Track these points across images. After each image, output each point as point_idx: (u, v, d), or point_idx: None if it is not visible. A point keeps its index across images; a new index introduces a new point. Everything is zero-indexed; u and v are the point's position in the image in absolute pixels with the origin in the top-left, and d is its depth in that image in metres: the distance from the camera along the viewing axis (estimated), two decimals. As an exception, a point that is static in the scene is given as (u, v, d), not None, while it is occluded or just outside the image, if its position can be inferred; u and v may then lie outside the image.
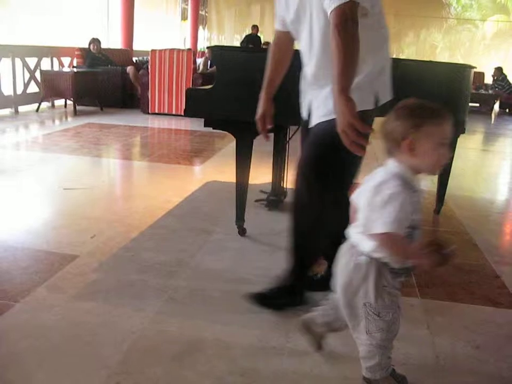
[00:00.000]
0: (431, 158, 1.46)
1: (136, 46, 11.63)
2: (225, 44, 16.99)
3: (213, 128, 2.82)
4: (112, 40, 11.64)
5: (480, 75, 13.90)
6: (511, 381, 1.79)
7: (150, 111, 8.06)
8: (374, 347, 1.57)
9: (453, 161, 3.62)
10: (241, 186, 2.87)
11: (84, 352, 1.79)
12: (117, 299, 2.17)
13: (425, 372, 1.81)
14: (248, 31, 17.72)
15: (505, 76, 12.96)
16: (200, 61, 10.70)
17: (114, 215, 3.28)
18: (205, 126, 2.82)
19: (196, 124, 7.09)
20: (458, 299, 2.38)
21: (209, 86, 2.79)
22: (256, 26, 14.10)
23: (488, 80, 13.67)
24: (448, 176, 3.58)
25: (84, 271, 2.42)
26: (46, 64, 8.48)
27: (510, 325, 2.18)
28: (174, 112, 7.93)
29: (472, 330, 2.10)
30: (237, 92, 2.68)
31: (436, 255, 1.40)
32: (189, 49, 9.72)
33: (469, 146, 7.20)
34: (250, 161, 2.83)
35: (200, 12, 17.30)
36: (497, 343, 2.03)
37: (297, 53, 2.16)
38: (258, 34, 13.92)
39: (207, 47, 3.81)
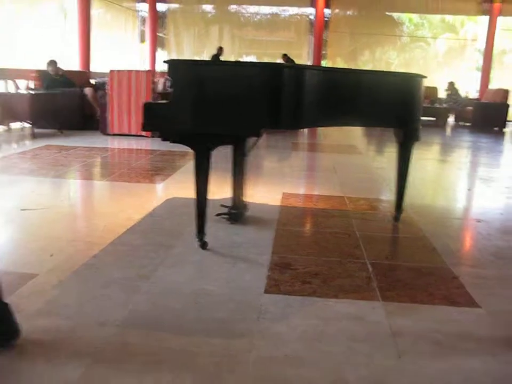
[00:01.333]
0: None
1: (95, 68, 11.58)
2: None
3: (170, 142, 2.83)
4: (70, 62, 11.55)
5: (434, 90, 14.28)
6: (471, 373, 1.82)
7: (109, 132, 8.00)
8: None
9: (411, 171, 3.72)
10: (201, 199, 2.87)
11: (43, 371, 1.75)
12: (78, 315, 2.14)
13: (388, 371, 1.83)
14: (208, 51, 17.89)
15: (457, 90, 13.36)
16: (159, 81, 10.70)
17: (74, 234, 3.24)
18: (162, 140, 2.82)
19: (157, 144, 7.08)
20: (418, 300, 2.43)
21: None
22: (222, 48, 14.34)
23: (442, 94, 14.05)
24: (405, 184, 3.65)
25: (44, 288, 2.37)
26: (0, 87, 8.34)
27: (468, 322, 2.23)
28: (134, 133, 7.89)
29: (433, 329, 2.14)
30: (193, 104, 2.69)
31: None
32: (148, 70, 9.72)
33: (426, 157, 7.36)
34: (208, 173, 2.84)
35: (158, 34, 17.34)
36: (457, 339, 2.07)
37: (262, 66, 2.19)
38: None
39: (164, 61, 3.79)
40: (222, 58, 14.17)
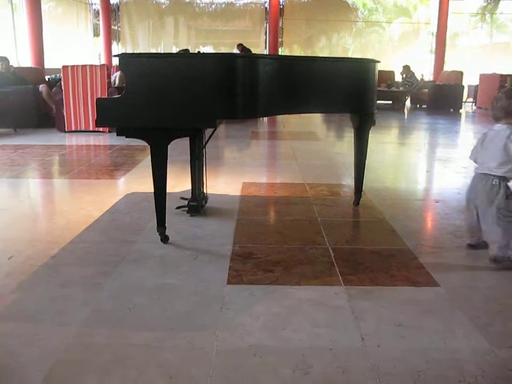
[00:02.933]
0: None
1: (49, 64, 11.33)
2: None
3: (126, 137, 2.80)
4: (22, 59, 11.29)
5: (391, 74, 14.47)
6: (432, 353, 1.86)
7: (66, 129, 7.85)
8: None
9: (370, 155, 3.77)
10: (160, 193, 2.85)
11: (3, 376, 1.72)
12: (38, 317, 2.10)
13: (352, 354, 1.85)
14: (165, 43, 17.71)
15: (413, 73, 13.55)
16: (116, 75, 10.54)
17: (33, 234, 3.18)
18: (117, 135, 2.79)
19: (115, 139, 6.98)
20: (380, 283, 2.46)
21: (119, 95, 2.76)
22: (187, 49, 14.24)
23: (398, 78, 14.24)
24: (364, 168, 3.69)
25: (2, 293, 2.32)
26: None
27: (428, 301, 2.27)
28: (91, 129, 7.76)
29: (394, 310, 2.18)
30: (147, 98, 2.66)
31: None
32: (103, 65, 9.56)
33: (385, 140, 7.47)
34: (166, 166, 2.81)
35: (112, 27, 17.06)
36: (418, 319, 2.11)
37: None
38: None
39: (114, 55, 3.72)
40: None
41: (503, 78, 11.69)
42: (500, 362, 1.82)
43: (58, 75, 8.94)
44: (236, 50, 14.34)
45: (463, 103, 13.65)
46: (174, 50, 15.26)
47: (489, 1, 17.73)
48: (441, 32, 16.67)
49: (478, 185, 2.75)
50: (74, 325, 2.03)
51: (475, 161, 2.83)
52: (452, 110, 12.86)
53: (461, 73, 13.53)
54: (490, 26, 18.08)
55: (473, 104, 14.54)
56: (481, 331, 2.01)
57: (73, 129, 7.84)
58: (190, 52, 14.38)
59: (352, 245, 3.01)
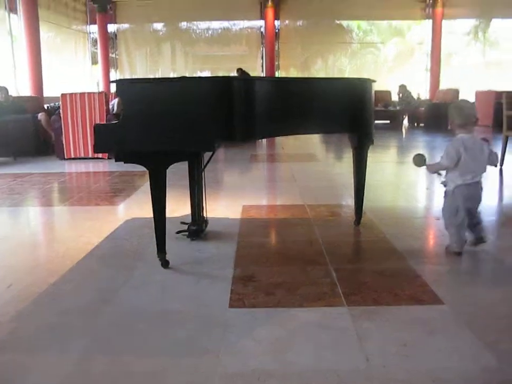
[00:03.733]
0: None
1: (47, 92, 11.41)
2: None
3: (124, 162, 2.79)
4: (21, 88, 11.37)
5: (387, 93, 14.55)
6: (438, 373, 1.83)
7: (66, 157, 7.86)
8: None
9: (370, 175, 3.76)
10: (160, 218, 2.84)
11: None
12: (37, 345, 2.07)
13: (357, 376, 1.82)
14: (162, 69, 17.85)
15: (410, 93, 13.64)
16: (114, 101, 10.59)
17: (33, 262, 3.16)
18: (116, 161, 2.79)
19: (114, 165, 6.96)
20: (384, 302, 2.43)
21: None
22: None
23: (395, 97, 14.33)
24: (364, 188, 3.68)
25: (1, 321, 2.29)
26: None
27: (433, 320, 2.24)
28: (90, 156, 7.78)
29: (399, 330, 2.15)
30: (144, 123, 2.66)
31: None
32: (101, 92, 9.62)
33: (384, 159, 7.47)
34: (165, 191, 2.80)
35: (110, 55, 17.23)
36: (423, 338, 2.08)
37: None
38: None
39: (111, 81, 3.76)
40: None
41: (498, 94, 11.72)
42: (510, 380, 1.79)
43: (57, 103, 8.98)
44: (234, 75, 14.43)
45: (460, 121, 13.69)
46: (172, 76, 15.39)
47: (481, 20, 17.92)
48: (436, 52, 16.83)
49: (476, 193, 3.06)
50: (74, 353, 2.00)
51: (447, 169, 3.09)
52: (449, 127, 12.89)
53: (457, 91, 13.61)
54: (483, 44, 18.24)
55: (471, 121, 14.57)
56: (489, 349, 1.98)
57: (72, 156, 7.85)
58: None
59: (355, 265, 2.99)
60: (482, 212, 3.22)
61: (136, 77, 17.51)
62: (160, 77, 17.28)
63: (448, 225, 3.14)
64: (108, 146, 2.82)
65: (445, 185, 3.14)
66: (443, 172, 3.16)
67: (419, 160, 3.13)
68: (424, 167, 3.17)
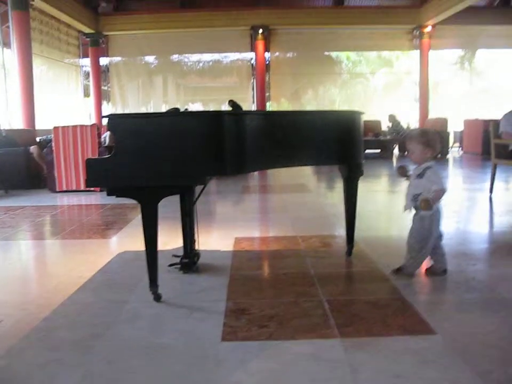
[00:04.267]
0: None
1: (40, 125, 11.47)
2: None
3: (117, 196, 2.81)
4: (14, 121, 11.43)
5: (378, 123, 14.73)
6: (431, 404, 1.83)
7: (58, 190, 7.87)
8: None
9: (361, 205, 3.79)
10: (152, 251, 2.84)
11: None
12: (28, 383, 2.05)
13: (350, 409, 1.82)
14: (154, 101, 17.99)
15: (399, 122, 13.81)
16: (106, 134, 10.65)
17: (24, 297, 3.14)
18: (108, 195, 2.80)
19: (106, 198, 6.94)
20: (376, 333, 2.44)
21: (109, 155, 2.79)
22: (177, 108, 14.59)
23: (385, 127, 14.50)
24: (355, 218, 3.71)
25: (-9, 359, 2.28)
26: None
27: (425, 350, 2.24)
28: (82, 188, 7.79)
29: (391, 361, 2.15)
30: (136, 157, 2.68)
31: None
32: (93, 124, 9.68)
33: (375, 189, 7.52)
34: (157, 224, 2.82)
35: (102, 87, 17.37)
36: (416, 369, 2.08)
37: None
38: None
39: (102, 116, 3.79)
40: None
41: (486, 123, 11.90)
42: (501, 411, 1.79)
43: (49, 136, 9.03)
44: (226, 106, 14.59)
45: (450, 149, 13.87)
46: (164, 108, 15.50)
47: (466, 50, 18.28)
48: (424, 81, 17.10)
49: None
50: (66, 391, 1.98)
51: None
52: (439, 155, 13.03)
53: (446, 120, 13.80)
54: (470, 74, 18.57)
55: (460, 149, 14.77)
56: (482, 379, 1.98)
57: (64, 189, 7.86)
58: (180, 110, 14.75)
59: (347, 296, 2.99)
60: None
61: (128, 109, 17.64)
62: (152, 111, 17.41)
63: (416, 248, 3.18)
64: (99, 181, 2.83)
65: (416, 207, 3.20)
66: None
67: (403, 171, 3.32)
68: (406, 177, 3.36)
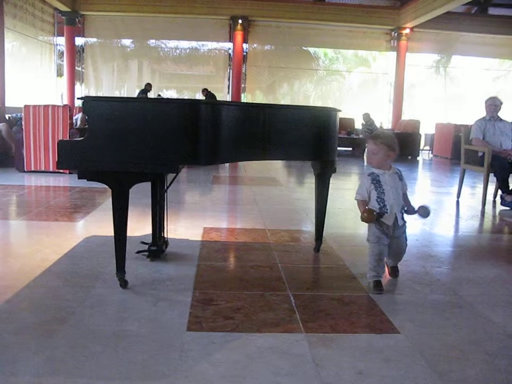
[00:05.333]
0: None
1: (9, 102, 11.23)
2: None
3: (88, 180, 2.77)
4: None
5: (351, 121, 14.85)
6: (392, 402, 1.86)
7: (25, 169, 7.73)
8: None
9: (331, 202, 3.81)
10: (120, 237, 2.82)
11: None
12: (-12, 366, 2.01)
13: (312, 404, 1.83)
14: (128, 86, 17.79)
15: (373, 121, 13.93)
16: (78, 116, 10.49)
17: (-14, 278, 3.08)
18: (79, 178, 2.76)
19: (75, 180, 6.89)
20: (341, 330, 2.46)
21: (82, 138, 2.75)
22: (150, 84, 14.62)
23: (358, 125, 14.62)
24: (324, 215, 3.73)
25: (-50, 339, 2.23)
26: None
27: (388, 348, 2.28)
28: (51, 169, 7.67)
29: (355, 358, 2.17)
30: (109, 142, 2.65)
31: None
32: (65, 105, 9.53)
33: (345, 187, 7.59)
34: (127, 211, 2.79)
35: (76, 68, 17.08)
36: (379, 366, 2.11)
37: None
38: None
39: (77, 98, 3.75)
40: (150, 94, 14.31)
41: (457, 128, 12.11)
42: (459, 411, 1.83)
43: (19, 114, 8.85)
44: (200, 95, 14.54)
45: (420, 151, 14.06)
46: (137, 93, 15.37)
47: (442, 55, 18.54)
48: (399, 83, 17.29)
49: None
50: (26, 375, 1.95)
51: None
52: (409, 157, 13.22)
53: (418, 122, 14.00)
54: (444, 79, 18.85)
55: (430, 152, 14.99)
56: (442, 378, 2.02)
57: (32, 169, 7.72)
58: (152, 88, 14.67)
59: (313, 291, 3.01)
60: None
61: (101, 92, 17.41)
62: (125, 95, 17.22)
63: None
64: (71, 163, 2.78)
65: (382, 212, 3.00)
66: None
67: (372, 216, 2.96)
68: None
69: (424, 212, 3.09)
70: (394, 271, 3.29)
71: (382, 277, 3.08)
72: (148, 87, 14.66)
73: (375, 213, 2.95)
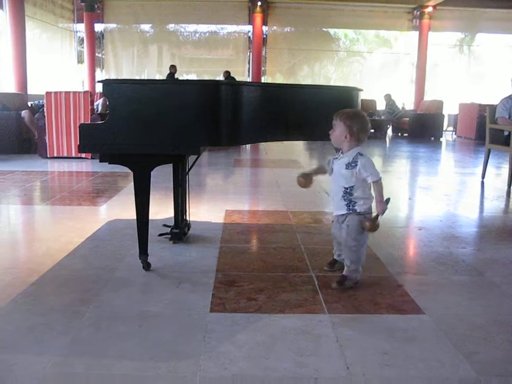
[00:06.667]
0: None
1: (32, 90, 11.31)
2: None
3: (109, 163, 2.78)
4: (5, 84, 11.27)
5: (372, 102, 14.67)
6: (418, 382, 1.84)
7: (48, 155, 7.81)
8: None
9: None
10: (143, 220, 2.83)
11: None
12: (15, 347, 2.04)
13: (337, 383, 1.82)
14: (148, 71, 17.81)
15: (394, 102, 13.76)
16: (99, 102, 10.55)
17: (13, 261, 3.12)
18: (100, 161, 2.77)
19: (97, 165, 6.96)
20: (365, 311, 2.44)
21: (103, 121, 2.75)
22: (174, 66, 14.49)
23: (380, 107, 14.45)
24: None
25: (-22, 321, 2.26)
26: None
27: (413, 329, 2.26)
28: (73, 155, 7.74)
29: (379, 338, 2.16)
30: (130, 124, 2.65)
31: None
32: (86, 91, 9.58)
33: (367, 169, 7.51)
34: (149, 193, 2.80)
35: (96, 54, 17.15)
36: (403, 347, 2.09)
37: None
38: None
39: (98, 81, 3.77)
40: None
41: (482, 107, 11.89)
42: (486, 391, 1.81)
43: (41, 101, 8.92)
44: (221, 77, 14.49)
45: (443, 132, 13.87)
46: (158, 77, 15.36)
47: (466, 34, 18.18)
48: (421, 63, 17.02)
49: None
50: (52, 355, 1.97)
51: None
52: (432, 138, 13.05)
53: (441, 102, 13.78)
54: (468, 57, 18.50)
55: (454, 132, 14.77)
56: (468, 359, 1.99)
57: (55, 155, 7.80)
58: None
59: (336, 272, 2.99)
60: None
61: (122, 77, 17.45)
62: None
63: (355, 249, 2.72)
64: (92, 147, 2.79)
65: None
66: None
67: (305, 181, 2.82)
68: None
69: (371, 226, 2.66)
70: (333, 264, 2.99)
71: (335, 257, 2.98)
72: (172, 69, 14.54)
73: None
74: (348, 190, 2.66)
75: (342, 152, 2.71)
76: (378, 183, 2.63)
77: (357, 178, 2.63)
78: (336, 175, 2.72)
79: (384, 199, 2.64)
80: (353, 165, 2.63)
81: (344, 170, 2.65)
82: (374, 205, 2.70)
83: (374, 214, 2.68)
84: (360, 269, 2.75)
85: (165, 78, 14.43)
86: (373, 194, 2.69)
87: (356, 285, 2.72)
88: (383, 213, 2.63)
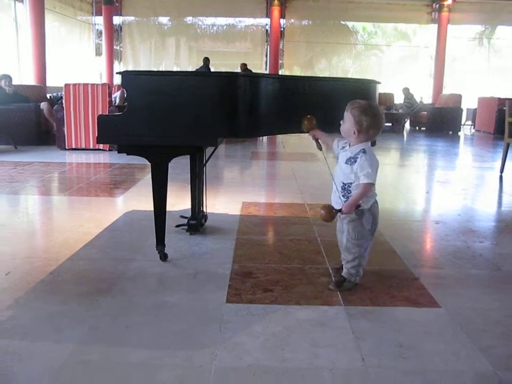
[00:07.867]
0: None
1: (50, 82, 11.40)
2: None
3: (127, 154, 2.79)
4: (25, 76, 11.38)
5: (390, 96, 14.57)
6: (434, 375, 1.84)
7: (67, 147, 7.88)
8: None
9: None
10: (160, 211, 2.84)
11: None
12: (34, 334, 2.07)
13: (352, 375, 1.83)
14: (166, 63, 17.85)
15: (412, 96, 13.64)
16: (117, 94, 10.60)
17: (31, 250, 3.16)
18: (118, 152, 2.79)
19: (115, 157, 7.01)
20: (380, 303, 2.44)
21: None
22: (208, 58, 14.39)
23: (398, 100, 14.34)
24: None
25: (-2, 308, 2.30)
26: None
27: (429, 323, 2.25)
28: (91, 147, 7.80)
29: (395, 331, 2.15)
30: (148, 115, 2.66)
31: None
32: (104, 84, 9.63)
33: (385, 162, 7.47)
34: (166, 184, 2.81)
35: (114, 47, 17.22)
36: (419, 340, 2.09)
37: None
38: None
39: (116, 73, 3.80)
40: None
41: (501, 101, 11.75)
42: (503, 385, 1.80)
43: (60, 93, 9.00)
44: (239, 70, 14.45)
45: (462, 126, 13.73)
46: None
47: (486, 26, 17.94)
48: (440, 56, 16.84)
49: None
50: (70, 343, 2.00)
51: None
52: (450, 132, 12.93)
53: (460, 96, 13.64)
54: (488, 51, 18.27)
55: (472, 127, 14.62)
56: (484, 353, 1.98)
57: (73, 147, 7.86)
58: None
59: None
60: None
61: (140, 70, 17.50)
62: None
63: (360, 253, 2.58)
64: (111, 138, 2.81)
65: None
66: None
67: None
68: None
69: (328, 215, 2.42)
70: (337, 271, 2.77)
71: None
72: (206, 61, 14.37)
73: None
74: (346, 186, 2.51)
75: (349, 145, 2.55)
76: (366, 186, 2.42)
77: (356, 176, 2.46)
78: (338, 167, 2.61)
79: (354, 208, 2.44)
80: (353, 160, 2.47)
81: (344, 165, 2.51)
82: (372, 203, 2.57)
83: (338, 208, 2.45)
84: (361, 272, 2.60)
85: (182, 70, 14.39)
86: (374, 192, 2.55)
87: (355, 287, 2.60)
88: (343, 214, 2.48)
